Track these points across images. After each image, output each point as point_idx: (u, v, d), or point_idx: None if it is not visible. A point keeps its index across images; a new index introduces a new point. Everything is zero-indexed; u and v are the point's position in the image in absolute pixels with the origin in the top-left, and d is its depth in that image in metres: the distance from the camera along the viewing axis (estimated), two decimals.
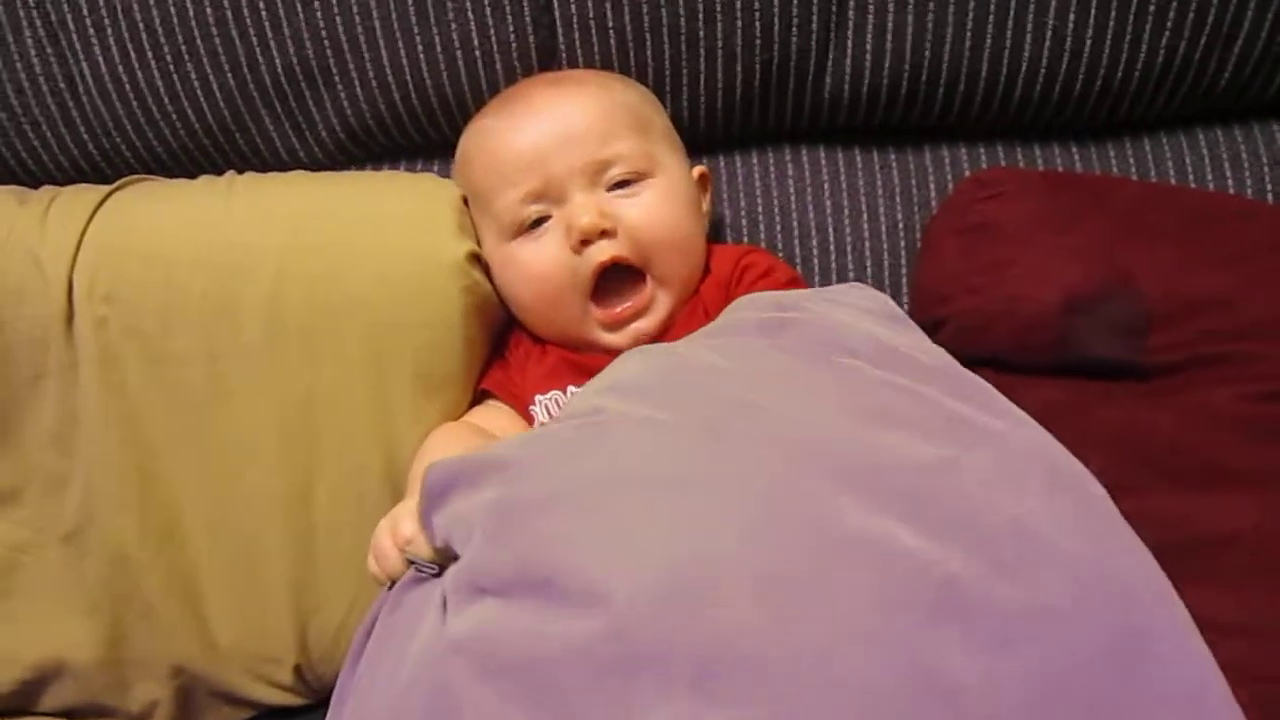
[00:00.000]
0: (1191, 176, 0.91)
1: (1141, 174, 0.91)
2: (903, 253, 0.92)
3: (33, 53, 0.86)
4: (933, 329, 0.75)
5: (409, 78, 0.87)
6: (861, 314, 0.68)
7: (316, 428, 0.79)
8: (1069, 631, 0.46)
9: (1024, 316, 0.78)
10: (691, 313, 0.80)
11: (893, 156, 0.93)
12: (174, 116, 0.89)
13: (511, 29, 0.85)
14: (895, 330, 0.67)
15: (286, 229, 0.79)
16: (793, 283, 0.83)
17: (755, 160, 0.94)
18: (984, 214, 0.83)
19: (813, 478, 0.52)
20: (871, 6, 0.85)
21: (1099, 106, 0.89)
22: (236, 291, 0.77)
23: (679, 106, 0.90)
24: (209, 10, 0.84)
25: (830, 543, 0.49)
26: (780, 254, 0.91)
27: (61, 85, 0.87)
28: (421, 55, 0.86)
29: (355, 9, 0.84)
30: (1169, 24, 0.84)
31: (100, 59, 0.86)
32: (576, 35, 0.86)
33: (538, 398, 0.80)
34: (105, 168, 0.92)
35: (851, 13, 0.86)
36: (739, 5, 0.84)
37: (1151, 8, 0.84)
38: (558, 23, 0.85)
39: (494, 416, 0.81)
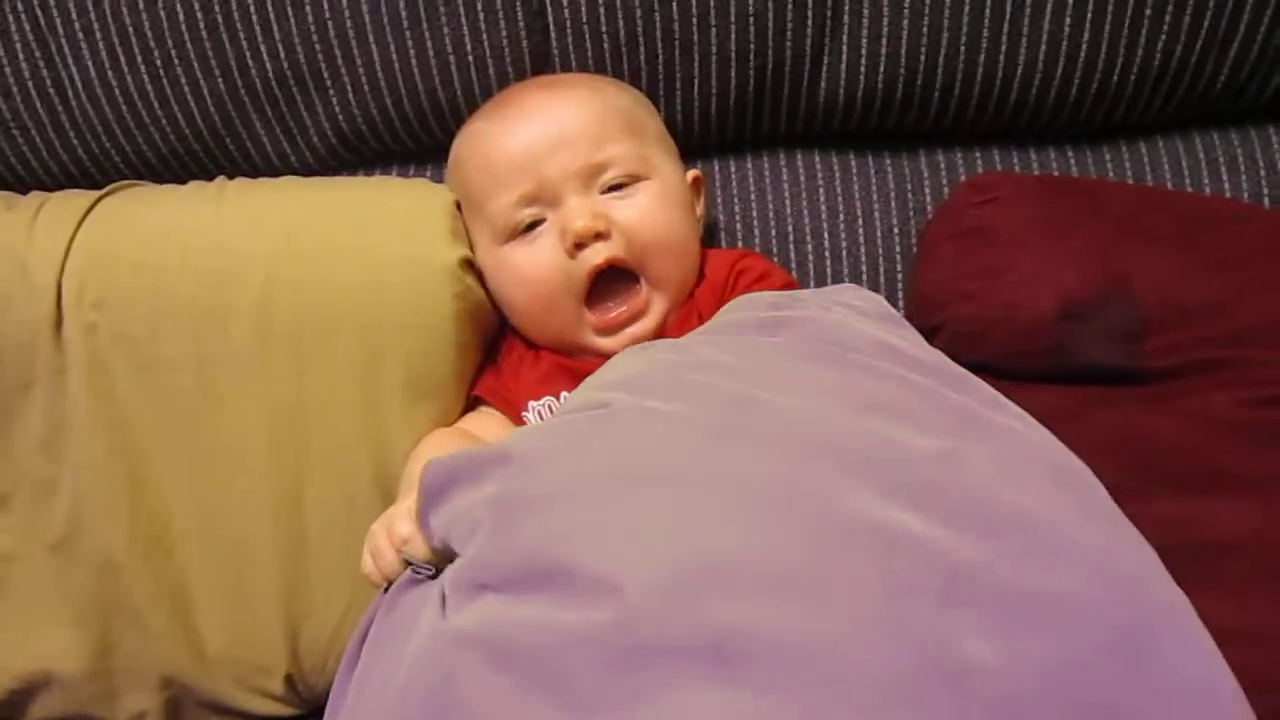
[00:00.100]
0: (1188, 180, 0.91)
1: (1137, 178, 0.91)
2: (898, 258, 0.91)
3: (21, 57, 0.86)
4: (929, 335, 0.75)
5: (401, 82, 0.87)
6: (858, 314, 0.68)
7: (307, 433, 0.78)
8: (1081, 621, 0.47)
9: (1020, 322, 0.78)
10: (686, 317, 0.80)
11: (888, 161, 0.93)
12: (164, 121, 0.88)
13: (505, 33, 0.85)
14: (892, 329, 0.67)
15: (277, 234, 0.79)
16: (787, 287, 0.83)
17: (750, 165, 0.94)
18: (979, 219, 0.83)
19: (819, 470, 0.52)
20: (865, 11, 0.85)
21: (1095, 110, 0.89)
22: (226, 297, 0.77)
23: (673, 111, 0.89)
24: (199, 14, 0.84)
25: (839, 532, 0.49)
26: (775, 259, 0.91)
27: (50, 89, 0.87)
28: (414, 59, 0.85)
29: (347, 13, 0.84)
30: (1165, 27, 0.84)
31: (89, 63, 0.86)
32: (570, 40, 0.85)
33: (530, 404, 0.79)
34: (95, 173, 0.91)
35: (846, 17, 0.85)
36: (733, 10, 0.84)
37: (1147, 11, 0.84)
38: (551, 27, 0.85)
39: (486, 423, 0.81)
